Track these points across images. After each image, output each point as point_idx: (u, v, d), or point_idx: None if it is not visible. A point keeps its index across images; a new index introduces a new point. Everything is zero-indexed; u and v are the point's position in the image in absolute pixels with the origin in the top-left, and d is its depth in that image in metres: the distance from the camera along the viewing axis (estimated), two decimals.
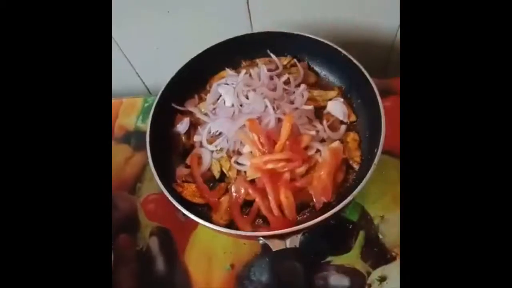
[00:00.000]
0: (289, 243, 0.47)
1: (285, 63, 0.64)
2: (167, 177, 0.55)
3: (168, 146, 0.60)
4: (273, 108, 0.56)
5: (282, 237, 0.47)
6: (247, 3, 0.67)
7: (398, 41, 0.74)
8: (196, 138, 0.60)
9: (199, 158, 0.58)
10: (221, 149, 0.57)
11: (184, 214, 0.49)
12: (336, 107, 0.59)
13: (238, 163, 0.56)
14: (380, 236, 0.58)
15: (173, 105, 0.62)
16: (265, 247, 0.54)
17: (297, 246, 0.47)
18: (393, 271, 0.55)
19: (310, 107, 0.58)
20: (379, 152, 0.49)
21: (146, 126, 0.56)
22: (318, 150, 0.55)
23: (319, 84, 0.63)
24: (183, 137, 0.61)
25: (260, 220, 0.54)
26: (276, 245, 0.47)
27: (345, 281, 0.55)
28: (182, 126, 0.61)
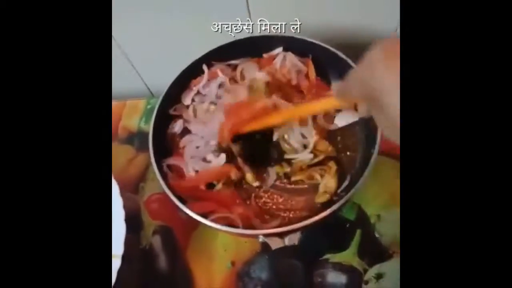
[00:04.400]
0: (288, 241, 0.48)
1: None
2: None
3: (170, 146, 0.62)
4: None
5: (281, 235, 0.48)
6: (247, 6, 0.68)
7: None
8: None
9: None
10: None
11: (186, 213, 0.51)
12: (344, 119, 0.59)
13: None
14: (377, 235, 0.59)
15: (170, 112, 0.62)
16: (265, 245, 0.56)
17: (296, 244, 0.48)
18: (389, 268, 0.56)
19: None
20: (375, 153, 0.50)
21: (149, 128, 0.57)
22: None
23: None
24: (177, 138, 0.61)
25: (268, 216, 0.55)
26: (275, 243, 0.48)
27: (342, 278, 0.56)
28: (176, 127, 0.62)
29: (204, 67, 0.63)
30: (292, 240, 0.48)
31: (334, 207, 0.48)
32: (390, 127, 0.34)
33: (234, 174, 0.55)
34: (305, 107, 0.56)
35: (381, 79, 0.32)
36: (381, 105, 0.33)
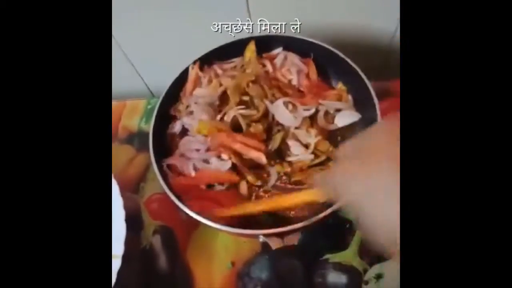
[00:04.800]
0: (288, 241, 0.48)
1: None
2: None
3: (170, 146, 0.62)
4: None
5: (281, 235, 0.48)
6: (247, 6, 0.68)
7: (396, 43, 0.75)
8: None
9: None
10: None
11: (186, 213, 0.51)
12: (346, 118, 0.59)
13: None
14: None
15: (171, 112, 0.62)
16: (265, 245, 0.56)
17: (296, 244, 0.48)
18: (389, 268, 0.56)
19: None
20: None
21: (149, 128, 0.57)
22: None
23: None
24: (177, 138, 0.61)
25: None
26: (275, 243, 0.48)
27: (342, 278, 0.56)
28: (176, 127, 0.61)
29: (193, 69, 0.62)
30: (292, 240, 0.48)
31: (334, 207, 0.48)
32: (375, 232, 0.31)
33: (234, 178, 0.55)
34: (285, 199, 0.51)
35: (349, 187, 0.31)
36: (361, 209, 0.31)
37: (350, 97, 0.61)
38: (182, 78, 0.62)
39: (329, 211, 0.47)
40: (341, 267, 0.57)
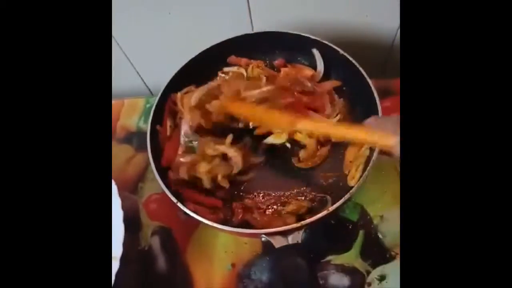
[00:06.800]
0: (291, 239, 0.47)
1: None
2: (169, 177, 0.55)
3: None
4: None
5: (284, 233, 0.47)
6: (248, 3, 0.67)
7: (398, 41, 0.74)
8: None
9: None
10: None
11: (185, 213, 0.50)
12: None
13: None
14: (380, 236, 0.58)
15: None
16: (266, 246, 0.55)
17: (300, 242, 0.47)
18: (392, 270, 0.56)
19: None
20: (376, 151, 0.50)
21: (147, 127, 0.57)
22: None
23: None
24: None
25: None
26: (278, 242, 0.48)
27: (345, 280, 0.55)
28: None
29: None
30: (296, 238, 0.47)
31: (336, 204, 0.47)
32: None
33: None
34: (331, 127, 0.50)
35: None
36: None
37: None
38: (179, 77, 0.61)
39: (331, 209, 0.47)
40: (343, 269, 0.56)
